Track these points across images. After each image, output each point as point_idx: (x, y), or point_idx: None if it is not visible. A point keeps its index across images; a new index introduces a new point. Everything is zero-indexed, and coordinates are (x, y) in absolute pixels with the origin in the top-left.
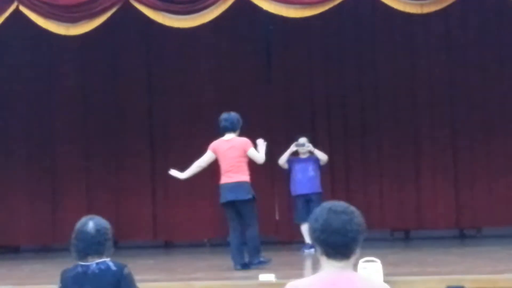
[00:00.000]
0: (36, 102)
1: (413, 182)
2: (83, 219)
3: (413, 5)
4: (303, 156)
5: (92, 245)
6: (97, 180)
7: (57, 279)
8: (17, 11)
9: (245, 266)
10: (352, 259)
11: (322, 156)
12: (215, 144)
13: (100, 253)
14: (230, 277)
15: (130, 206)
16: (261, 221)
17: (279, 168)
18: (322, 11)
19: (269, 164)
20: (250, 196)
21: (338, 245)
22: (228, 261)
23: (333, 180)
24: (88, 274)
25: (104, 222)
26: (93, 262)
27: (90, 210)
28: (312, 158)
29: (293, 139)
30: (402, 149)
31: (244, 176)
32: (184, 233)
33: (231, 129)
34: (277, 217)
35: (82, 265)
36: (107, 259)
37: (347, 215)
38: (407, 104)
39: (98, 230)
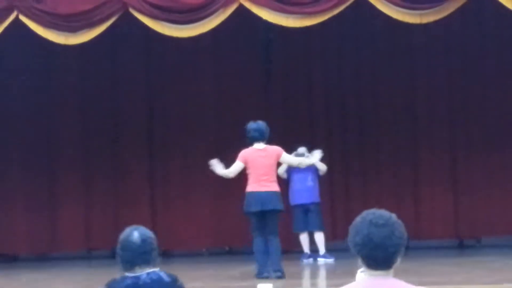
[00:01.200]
0: (35, 110)
1: (412, 192)
2: (127, 230)
3: (412, 15)
4: (302, 166)
5: (139, 255)
6: (96, 189)
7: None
8: (16, 20)
9: (275, 272)
10: (393, 268)
11: (321, 166)
12: (246, 153)
13: (147, 263)
14: (228, 287)
15: (129, 215)
16: None
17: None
18: (322, 21)
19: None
20: (280, 207)
21: (379, 259)
22: (226, 270)
23: (332, 190)
24: (139, 285)
25: (148, 232)
26: (143, 273)
27: (88, 219)
28: (311, 168)
29: (292, 148)
30: (401, 159)
31: (276, 185)
32: (182, 242)
33: (262, 139)
34: None
35: (131, 277)
36: (157, 269)
37: (389, 227)
38: (406, 114)
39: (144, 240)
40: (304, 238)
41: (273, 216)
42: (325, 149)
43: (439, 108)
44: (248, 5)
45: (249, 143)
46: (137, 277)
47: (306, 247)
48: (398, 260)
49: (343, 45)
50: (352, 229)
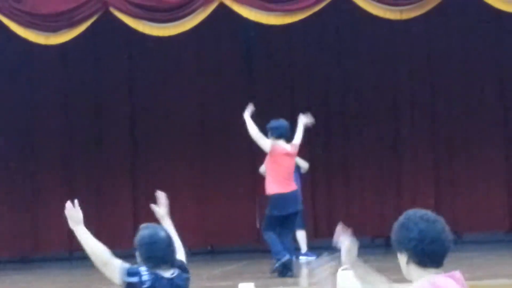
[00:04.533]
0: (17, 113)
1: (394, 188)
2: (148, 227)
3: (392, 11)
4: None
5: (169, 252)
6: (78, 189)
7: None
8: None
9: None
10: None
11: (303, 164)
12: (276, 145)
13: (172, 261)
14: (210, 287)
15: (111, 215)
16: (241, 229)
17: (260, 176)
18: (303, 18)
19: (249, 173)
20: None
21: (436, 254)
22: (208, 270)
23: (314, 188)
24: (174, 285)
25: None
26: (174, 273)
27: None
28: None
29: None
30: (383, 157)
31: (295, 184)
32: None
33: (286, 137)
34: (257, 225)
35: (165, 277)
36: (176, 269)
37: (441, 223)
38: (389, 111)
39: (170, 238)
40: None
41: (296, 217)
42: (307, 146)
43: (421, 105)
44: (229, 3)
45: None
46: (171, 279)
47: None
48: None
49: (324, 42)
50: (401, 227)
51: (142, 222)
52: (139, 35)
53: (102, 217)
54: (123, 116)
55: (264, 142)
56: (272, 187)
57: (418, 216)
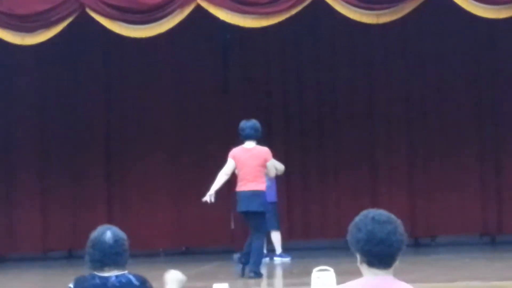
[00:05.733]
0: None
1: (369, 191)
2: (100, 228)
3: (369, 16)
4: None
5: (110, 255)
6: (53, 190)
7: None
8: None
9: (245, 273)
10: (393, 267)
11: (279, 166)
12: (235, 152)
13: (117, 265)
14: (184, 287)
15: (86, 216)
16: (216, 231)
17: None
18: (279, 21)
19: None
20: (261, 209)
21: (383, 256)
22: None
23: (289, 190)
24: (108, 287)
25: (121, 233)
26: (112, 275)
27: (45, 220)
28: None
29: None
30: (359, 160)
31: (261, 185)
32: (139, 242)
33: (255, 137)
34: (232, 226)
35: (100, 277)
36: (126, 272)
37: (391, 224)
38: (364, 115)
39: (117, 241)
40: None
41: (253, 217)
42: (283, 149)
43: (397, 109)
44: (205, 5)
45: (242, 141)
46: (106, 278)
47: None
48: (397, 261)
49: (300, 45)
50: (353, 226)
51: (117, 223)
52: (116, 37)
53: (76, 218)
54: (97, 118)
55: (228, 166)
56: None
57: (370, 217)
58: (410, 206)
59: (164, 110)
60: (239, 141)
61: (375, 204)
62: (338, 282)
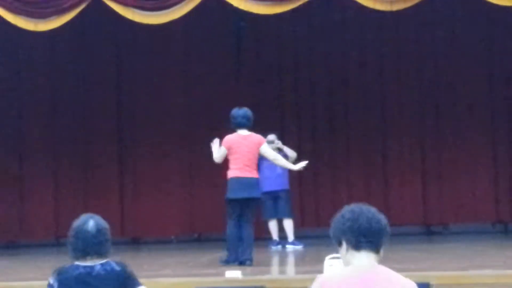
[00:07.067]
0: (4, 103)
1: (381, 178)
2: (82, 217)
3: (382, 3)
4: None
5: (92, 245)
6: (65, 177)
7: (34, 275)
8: None
9: (239, 262)
10: (379, 255)
11: (291, 153)
12: (230, 139)
13: (99, 254)
14: (197, 274)
15: (98, 203)
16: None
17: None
18: (293, 8)
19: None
20: (260, 196)
21: (372, 232)
22: (194, 257)
23: (301, 177)
24: (92, 276)
25: (104, 222)
26: (96, 263)
27: (57, 207)
28: (281, 155)
29: (262, 136)
30: (370, 147)
31: (256, 173)
32: (151, 229)
33: (247, 125)
34: None
35: (84, 266)
36: (109, 260)
37: (374, 211)
38: (376, 102)
39: (99, 230)
40: (273, 225)
41: (252, 204)
42: (295, 136)
43: (409, 96)
44: None
45: (233, 129)
46: (91, 267)
47: (275, 234)
48: (382, 248)
49: (313, 32)
50: (336, 218)
51: (129, 210)
52: (128, 24)
53: (88, 205)
54: (109, 105)
55: (219, 155)
56: (231, 172)
57: (351, 207)
58: (423, 194)
59: (176, 98)
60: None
61: (387, 192)
62: None
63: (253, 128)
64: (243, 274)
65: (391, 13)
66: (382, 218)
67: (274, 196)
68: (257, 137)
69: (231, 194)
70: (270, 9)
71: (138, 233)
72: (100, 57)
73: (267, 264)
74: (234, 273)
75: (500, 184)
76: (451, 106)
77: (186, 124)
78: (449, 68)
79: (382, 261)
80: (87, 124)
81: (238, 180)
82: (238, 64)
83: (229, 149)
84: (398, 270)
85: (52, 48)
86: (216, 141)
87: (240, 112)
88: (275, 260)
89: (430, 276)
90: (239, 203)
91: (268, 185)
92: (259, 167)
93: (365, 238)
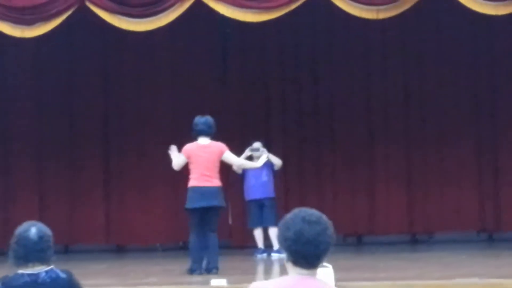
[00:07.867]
0: None
1: (366, 187)
2: (24, 225)
3: (369, 11)
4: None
5: (34, 252)
6: (50, 184)
7: None
8: None
9: (205, 270)
10: (318, 268)
11: (276, 161)
12: (188, 149)
13: (41, 261)
14: (182, 282)
15: (83, 209)
16: None
17: (233, 172)
18: (279, 16)
19: (222, 169)
20: (223, 204)
21: (309, 256)
22: (180, 265)
23: (287, 185)
24: (38, 283)
25: (46, 229)
26: (41, 271)
27: (42, 213)
28: (266, 163)
29: (248, 143)
30: (356, 155)
31: (218, 181)
32: (136, 237)
33: (208, 133)
34: (230, 222)
35: (29, 274)
36: (53, 267)
37: (320, 225)
38: (362, 109)
39: (41, 237)
40: (258, 233)
41: (214, 213)
42: (280, 143)
43: (394, 104)
44: None
45: (194, 137)
46: (36, 275)
47: (260, 243)
48: (323, 262)
49: (299, 40)
50: (283, 225)
51: (114, 217)
52: (115, 30)
53: (73, 212)
54: (95, 110)
55: (177, 162)
56: (190, 182)
57: (300, 216)
58: (407, 202)
59: (163, 104)
60: (234, 135)
61: (372, 200)
62: (336, 279)
63: (238, 134)
64: (229, 282)
65: (377, 20)
66: (323, 242)
67: (259, 204)
68: (217, 145)
69: (189, 204)
70: (256, 17)
71: (123, 240)
72: (86, 65)
73: (252, 272)
74: (219, 282)
75: (484, 192)
76: (436, 114)
77: (172, 131)
78: (435, 77)
79: (367, 270)
80: (73, 131)
81: (196, 189)
82: (224, 70)
83: (188, 158)
84: (384, 279)
85: (39, 52)
86: (173, 148)
87: (202, 119)
88: (260, 268)
89: (416, 285)
90: (199, 212)
91: (253, 193)
92: (244, 176)
93: (303, 259)
